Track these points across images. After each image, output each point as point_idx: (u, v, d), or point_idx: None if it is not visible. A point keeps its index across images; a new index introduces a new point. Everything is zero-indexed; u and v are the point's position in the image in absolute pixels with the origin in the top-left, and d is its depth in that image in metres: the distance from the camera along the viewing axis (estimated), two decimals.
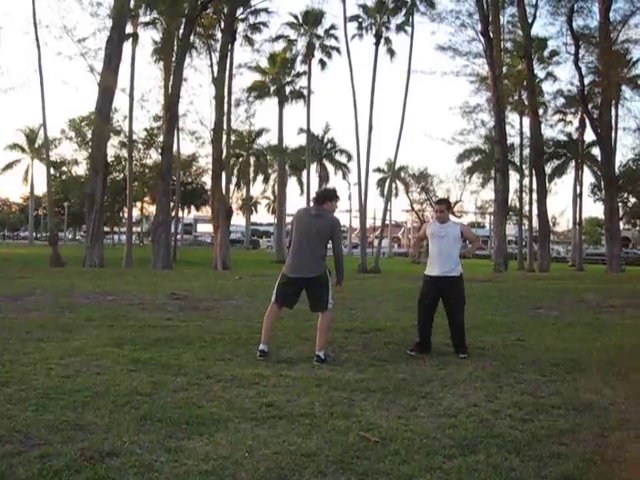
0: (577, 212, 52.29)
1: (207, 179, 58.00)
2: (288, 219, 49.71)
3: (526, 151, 45.53)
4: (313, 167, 61.63)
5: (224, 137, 35.24)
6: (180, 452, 3.74)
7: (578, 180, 50.68)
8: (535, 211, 40.52)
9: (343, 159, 67.05)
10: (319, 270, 6.61)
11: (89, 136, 44.64)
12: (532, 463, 3.72)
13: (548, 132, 52.92)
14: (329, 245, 6.84)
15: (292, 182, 66.64)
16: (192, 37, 33.68)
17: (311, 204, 6.99)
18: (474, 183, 56.04)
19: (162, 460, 3.62)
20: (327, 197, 6.91)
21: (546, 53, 43.63)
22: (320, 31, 48.17)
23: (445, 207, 7.37)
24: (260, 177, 69.49)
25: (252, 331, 7.87)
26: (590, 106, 36.46)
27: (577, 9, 34.54)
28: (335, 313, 9.03)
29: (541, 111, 41.41)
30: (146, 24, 36.91)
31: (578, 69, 35.23)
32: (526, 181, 47.36)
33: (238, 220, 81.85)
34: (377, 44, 42.56)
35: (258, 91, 49.26)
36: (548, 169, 47.27)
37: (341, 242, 7.14)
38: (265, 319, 6.79)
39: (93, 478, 3.36)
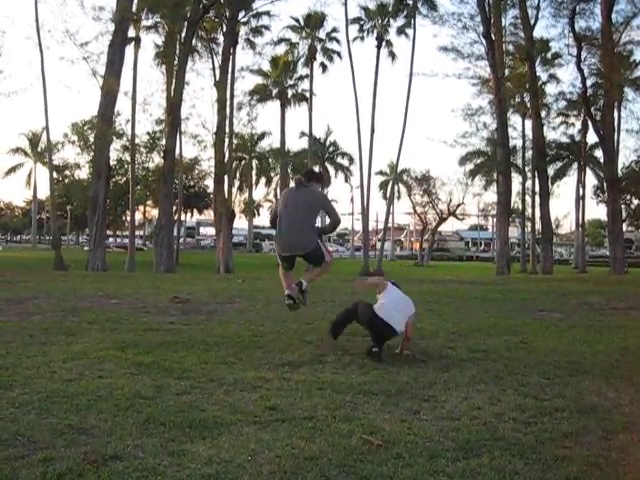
0: (580, 214, 52.31)
1: (209, 182, 58.28)
2: None
3: (528, 153, 45.61)
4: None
5: (226, 140, 35.27)
6: (183, 456, 3.74)
7: (581, 182, 50.74)
8: (538, 213, 40.55)
9: (345, 162, 67.45)
10: (311, 244, 6.90)
11: (92, 140, 44.75)
12: (536, 466, 3.70)
13: (550, 134, 53.19)
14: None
15: None
16: (194, 41, 33.80)
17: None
18: (477, 185, 56.22)
19: (165, 464, 3.61)
20: (314, 177, 7.31)
21: (548, 55, 43.64)
22: (322, 34, 48.48)
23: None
24: (262, 180, 69.91)
25: (255, 334, 7.87)
26: (592, 108, 36.46)
27: (579, 11, 34.56)
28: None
29: (543, 113, 41.39)
30: (148, 28, 37.04)
31: (580, 71, 35.23)
32: (529, 183, 47.48)
33: (241, 223, 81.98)
34: (379, 47, 42.72)
35: (260, 94, 49.42)
36: (551, 171, 47.25)
37: (335, 211, 7.29)
38: (280, 275, 7.25)
39: None
